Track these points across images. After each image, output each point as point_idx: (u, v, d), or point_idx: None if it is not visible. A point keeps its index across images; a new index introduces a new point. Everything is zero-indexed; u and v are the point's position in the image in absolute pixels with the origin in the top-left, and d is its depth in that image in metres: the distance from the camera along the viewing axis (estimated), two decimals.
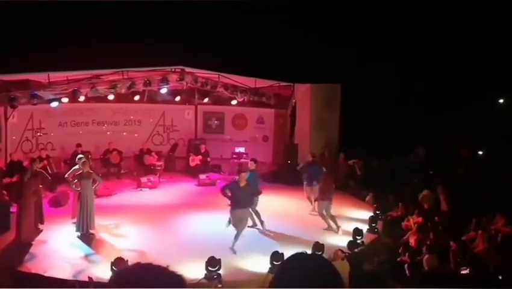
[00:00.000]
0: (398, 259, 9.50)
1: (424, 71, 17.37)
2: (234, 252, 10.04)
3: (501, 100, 19.21)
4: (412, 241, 10.35)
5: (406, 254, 9.45)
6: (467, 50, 16.82)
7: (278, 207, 13.21)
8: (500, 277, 8.09)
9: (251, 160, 12.73)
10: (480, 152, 17.32)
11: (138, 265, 1.60)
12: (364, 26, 17.59)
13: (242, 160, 16.87)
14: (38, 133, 15.63)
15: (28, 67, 12.89)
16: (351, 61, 16.93)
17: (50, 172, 13.99)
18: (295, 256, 1.67)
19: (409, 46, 17.69)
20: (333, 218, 11.90)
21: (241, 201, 10.28)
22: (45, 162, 14.17)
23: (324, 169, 12.84)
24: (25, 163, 12.61)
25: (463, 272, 7.85)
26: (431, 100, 17.58)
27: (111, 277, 1.63)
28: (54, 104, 13.71)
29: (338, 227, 11.73)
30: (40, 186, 11.16)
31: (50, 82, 13.54)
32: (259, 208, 11.69)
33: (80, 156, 11.75)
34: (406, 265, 8.75)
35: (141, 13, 15.85)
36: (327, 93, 17.03)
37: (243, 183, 10.30)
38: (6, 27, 13.65)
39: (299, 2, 16.88)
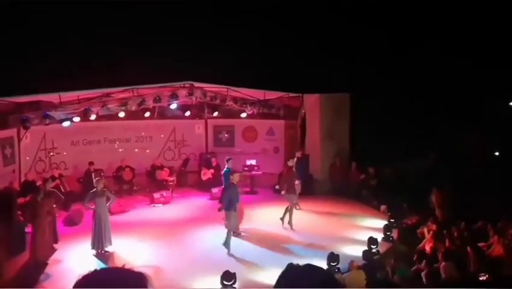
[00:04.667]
0: (414, 267, 9.39)
1: (434, 77, 17.26)
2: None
3: None
4: (428, 248, 10.25)
5: (423, 262, 9.34)
6: (477, 52, 16.72)
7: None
8: None
9: (227, 159, 13.28)
10: (497, 153, 17.14)
11: (96, 271, 1.63)
12: (372, 33, 17.58)
13: (254, 172, 16.90)
14: (51, 153, 15.73)
15: (39, 88, 13.05)
16: (360, 70, 16.89)
17: (63, 191, 14.10)
18: (292, 269, 1.65)
19: (418, 51, 17.63)
20: (291, 213, 12.77)
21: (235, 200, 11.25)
22: (57, 181, 14.27)
23: (289, 164, 13.54)
24: (38, 183, 12.72)
25: (481, 278, 7.74)
26: (442, 106, 17.45)
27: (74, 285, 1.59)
28: (66, 123, 13.83)
29: (289, 223, 12.63)
30: (54, 205, 11.24)
31: (61, 102, 13.69)
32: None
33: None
34: (423, 273, 8.65)
35: (149, 31, 16.03)
36: (337, 103, 17.01)
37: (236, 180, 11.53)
38: (17, 50, 13.85)
39: (306, 14, 16.95)
